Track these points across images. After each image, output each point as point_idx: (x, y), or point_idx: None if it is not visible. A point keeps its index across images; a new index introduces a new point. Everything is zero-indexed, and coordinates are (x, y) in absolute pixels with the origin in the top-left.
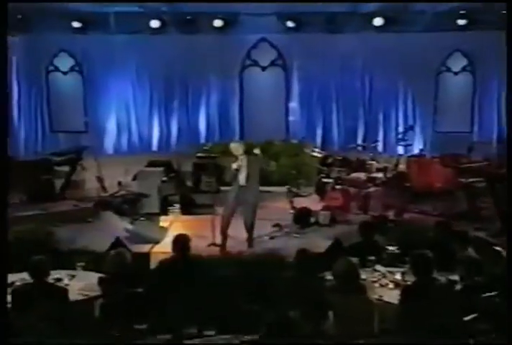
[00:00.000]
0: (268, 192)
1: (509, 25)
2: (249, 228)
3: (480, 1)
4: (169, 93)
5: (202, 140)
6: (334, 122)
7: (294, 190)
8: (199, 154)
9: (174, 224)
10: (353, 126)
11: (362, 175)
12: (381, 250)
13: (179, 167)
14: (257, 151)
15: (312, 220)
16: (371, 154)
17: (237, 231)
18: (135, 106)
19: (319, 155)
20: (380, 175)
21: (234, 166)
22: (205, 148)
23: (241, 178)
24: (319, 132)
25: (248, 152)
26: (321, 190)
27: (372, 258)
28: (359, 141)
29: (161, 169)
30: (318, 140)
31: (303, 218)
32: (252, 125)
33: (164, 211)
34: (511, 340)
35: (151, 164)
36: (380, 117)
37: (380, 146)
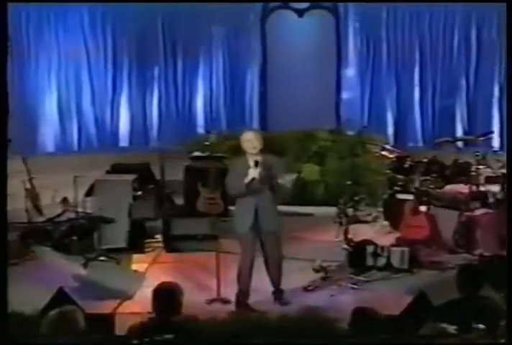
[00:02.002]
0: (305, 215)
1: (509, 25)
2: (275, 273)
3: (480, 1)
4: (144, 56)
5: (200, 131)
6: (416, 102)
7: (349, 212)
8: (195, 154)
9: (154, 267)
10: (447, 110)
11: (463, 189)
12: (495, 313)
13: (162, 174)
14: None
15: (380, 261)
16: (478, 155)
17: (256, 278)
18: (90, 79)
19: (391, 156)
20: (493, 188)
21: (253, 173)
22: (205, 143)
23: (259, 193)
24: (390, 118)
25: (270, 148)
26: (393, 213)
27: (481, 326)
28: (459, 133)
29: (132, 177)
30: (390, 131)
31: (363, 258)
32: (279, 107)
33: (138, 246)
34: (511, 340)
35: (117, 169)
36: (494, 95)
37: (495, 142)
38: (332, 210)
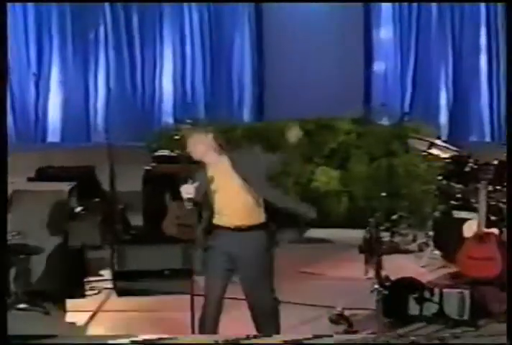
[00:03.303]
0: (321, 242)
1: (509, 25)
2: (265, 326)
3: (480, 1)
4: (81, 14)
5: (167, 120)
6: (482, 79)
7: (384, 236)
8: (160, 153)
9: (100, 318)
10: None
11: None
12: None
13: (112, 182)
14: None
15: (428, 309)
16: None
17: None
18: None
19: (444, 155)
20: None
21: (186, 191)
22: (175, 137)
23: (226, 210)
24: (444, 102)
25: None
26: (448, 239)
27: None
28: None
29: (69, 186)
30: (442, 120)
31: (404, 305)
32: (280, 86)
33: (76, 288)
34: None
35: (44, 174)
36: None
37: None
38: (359, 234)
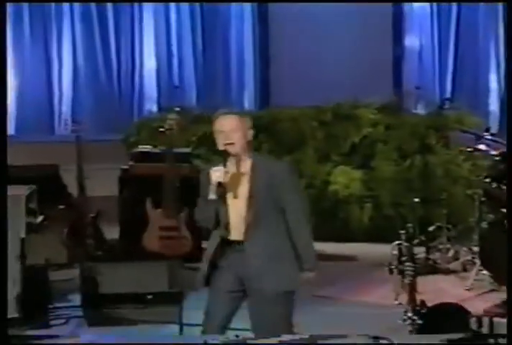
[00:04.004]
0: (340, 259)
1: (509, 25)
2: None
3: (480, 1)
4: None
5: (149, 107)
6: None
7: (418, 252)
8: (141, 149)
9: None
10: None
11: None
12: None
13: (80, 185)
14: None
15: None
16: None
17: None
18: None
19: (494, 152)
20: None
21: (216, 175)
22: (160, 129)
23: (235, 222)
24: (495, 86)
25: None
26: (499, 256)
27: None
28: None
29: (27, 190)
30: (493, 108)
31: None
32: (289, 67)
33: (37, 316)
34: (511, 340)
35: None
36: None
37: None
38: (386, 249)
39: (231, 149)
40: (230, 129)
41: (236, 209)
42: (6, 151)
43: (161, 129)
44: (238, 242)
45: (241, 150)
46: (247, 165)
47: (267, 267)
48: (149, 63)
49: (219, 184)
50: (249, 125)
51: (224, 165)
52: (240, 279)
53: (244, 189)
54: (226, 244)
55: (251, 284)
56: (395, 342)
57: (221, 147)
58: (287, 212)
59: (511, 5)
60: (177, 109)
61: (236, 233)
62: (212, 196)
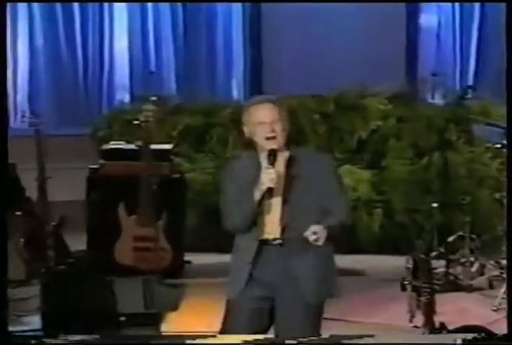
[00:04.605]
0: (347, 274)
1: (509, 25)
2: None
3: (480, 1)
4: None
5: (121, 97)
6: None
7: (438, 266)
8: (112, 145)
9: None
10: None
11: None
12: None
13: (41, 188)
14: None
15: None
16: None
17: None
18: None
19: None
20: None
21: (268, 179)
22: (135, 122)
23: (271, 221)
24: None
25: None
26: None
27: None
28: None
29: None
30: None
31: None
32: (285, 49)
33: None
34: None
35: None
36: None
37: None
38: (399, 262)
39: (273, 144)
40: (272, 120)
41: (273, 208)
42: (6, 149)
43: (135, 122)
44: (275, 244)
45: (282, 143)
46: (283, 159)
47: (309, 272)
48: (121, 43)
49: (269, 190)
50: (287, 114)
51: (272, 164)
52: (271, 284)
53: (280, 185)
54: (262, 247)
55: (285, 289)
56: None
57: (262, 142)
58: (331, 212)
59: (511, 5)
60: (154, 99)
61: (272, 234)
62: (256, 199)
